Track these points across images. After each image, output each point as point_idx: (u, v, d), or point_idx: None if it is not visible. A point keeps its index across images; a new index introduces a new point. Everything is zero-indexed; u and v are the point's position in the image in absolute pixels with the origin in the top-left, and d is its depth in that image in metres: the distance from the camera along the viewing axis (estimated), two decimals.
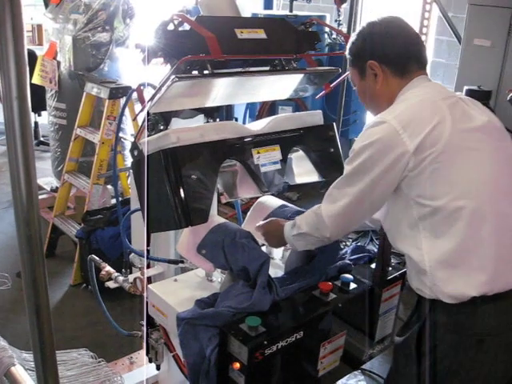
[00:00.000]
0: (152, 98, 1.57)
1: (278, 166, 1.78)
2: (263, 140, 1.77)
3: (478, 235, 1.39)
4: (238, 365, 1.44)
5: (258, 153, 1.72)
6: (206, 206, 1.59)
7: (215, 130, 1.70)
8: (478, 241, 1.40)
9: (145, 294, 1.83)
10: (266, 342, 1.44)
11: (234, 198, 1.87)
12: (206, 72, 1.58)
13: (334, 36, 4.75)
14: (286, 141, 1.83)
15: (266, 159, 1.74)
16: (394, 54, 1.54)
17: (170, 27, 1.60)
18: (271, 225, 1.83)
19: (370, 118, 5.16)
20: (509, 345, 1.47)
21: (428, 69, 1.61)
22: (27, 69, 0.91)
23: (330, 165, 1.96)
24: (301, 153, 1.95)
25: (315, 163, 1.95)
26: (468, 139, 1.44)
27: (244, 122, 4.46)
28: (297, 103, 4.50)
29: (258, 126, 1.84)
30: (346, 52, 1.65)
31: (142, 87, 1.81)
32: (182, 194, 1.53)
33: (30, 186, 0.96)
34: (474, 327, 1.43)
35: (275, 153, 1.77)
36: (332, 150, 1.98)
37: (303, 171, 1.99)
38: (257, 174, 1.74)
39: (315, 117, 2.00)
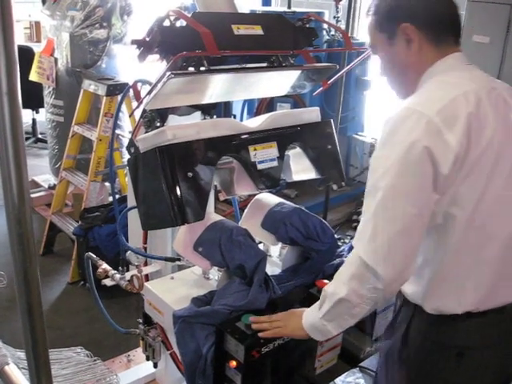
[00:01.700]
0: (148, 95, 1.56)
1: (275, 163, 1.77)
2: (260, 137, 1.75)
3: (477, 253, 1.28)
4: (234, 363, 1.44)
5: (255, 150, 1.71)
6: (203, 204, 1.58)
7: (211, 126, 1.69)
8: (474, 258, 1.29)
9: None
10: (262, 340, 1.43)
11: (231, 195, 1.85)
12: (202, 68, 1.57)
13: (333, 33, 4.74)
14: (282, 138, 1.82)
15: (263, 156, 1.73)
16: (431, 17, 1.28)
17: (166, 23, 1.58)
18: (288, 314, 1.51)
19: (368, 115, 5.13)
20: (491, 360, 1.37)
21: None
22: (17, 63, 0.89)
23: (327, 162, 1.95)
24: (298, 150, 1.94)
25: (313, 160, 1.93)
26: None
27: (242, 119, 4.44)
28: (295, 100, 4.48)
29: (255, 122, 1.82)
30: (371, 11, 1.35)
31: (138, 84, 1.80)
32: (178, 192, 1.52)
33: (21, 183, 0.94)
34: (455, 340, 1.35)
35: (272, 150, 1.75)
36: (329, 146, 1.97)
37: (301, 168, 1.98)
38: (253, 171, 1.73)
39: (312, 113, 1.98)
